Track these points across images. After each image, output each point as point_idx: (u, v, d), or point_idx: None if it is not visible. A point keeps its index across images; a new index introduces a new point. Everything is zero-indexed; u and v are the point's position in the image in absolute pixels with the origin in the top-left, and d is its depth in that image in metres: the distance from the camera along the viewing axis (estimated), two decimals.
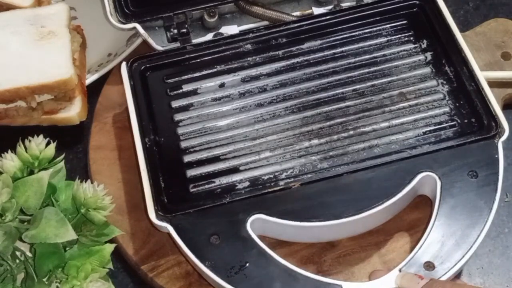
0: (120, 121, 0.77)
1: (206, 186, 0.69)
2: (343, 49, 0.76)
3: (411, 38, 0.76)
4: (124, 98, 0.73)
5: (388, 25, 0.77)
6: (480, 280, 0.69)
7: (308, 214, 0.65)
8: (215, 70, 0.76)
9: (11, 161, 0.65)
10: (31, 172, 0.65)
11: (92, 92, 0.80)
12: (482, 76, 0.71)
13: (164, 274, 0.69)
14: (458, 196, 0.66)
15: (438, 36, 0.75)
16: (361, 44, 0.76)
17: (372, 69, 0.75)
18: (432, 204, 0.66)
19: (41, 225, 0.61)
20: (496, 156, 0.67)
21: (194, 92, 0.75)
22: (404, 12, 0.78)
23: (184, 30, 0.77)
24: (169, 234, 0.66)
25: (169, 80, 0.75)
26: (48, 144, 0.67)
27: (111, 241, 0.65)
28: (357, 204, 0.65)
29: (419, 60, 0.75)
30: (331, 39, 0.77)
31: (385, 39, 0.77)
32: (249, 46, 0.77)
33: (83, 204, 0.64)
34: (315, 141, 0.70)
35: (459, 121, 0.70)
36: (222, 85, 0.75)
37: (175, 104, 0.74)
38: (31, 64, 0.76)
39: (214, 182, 0.69)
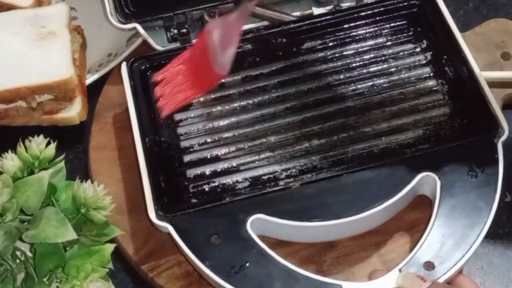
0: (120, 121, 0.77)
1: (206, 186, 0.69)
2: (343, 49, 0.76)
3: (411, 38, 0.76)
4: (124, 98, 0.73)
5: (388, 25, 0.77)
6: (480, 280, 0.69)
7: (308, 214, 0.65)
8: None
9: (11, 161, 0.65)
10: (31, 172, 0.65)
11: (92, 92, 0.80)
12: (482, 76, 0.71)
13: (164, 274, 0.69)
14: (458, 196, 0.66)
15: (438, 36, 0.75)
16: (361, 44, 0.76)
17: (372, 69, 0.75)
18: (432, 204, 0.66)
19: (41, 225, 0.61)
20: (496, 156, 0.67)
21: None
22: (404, 12, 0.78)
23: (184, 30, 0.77)
24: (169, 234, 0.66)
25: None
26: (48, 144, 0.67)
27: (111, 241, 0.65)
28: (357, 204, 0.65)
29: (419, 60, 0.75)
30: (331, 39, 0.77)
31: (385, 39, 0.77)
32: (249, 46, 0.77)
33: (83, 204, 0.64)
34: (315, 141, 0.70)
35: (459, 121, 0.70)
36: (222, 85, 0.75)
37: None
38: (31, 64, 0.76)
39: (214, 182, 0.69)
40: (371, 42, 0.76)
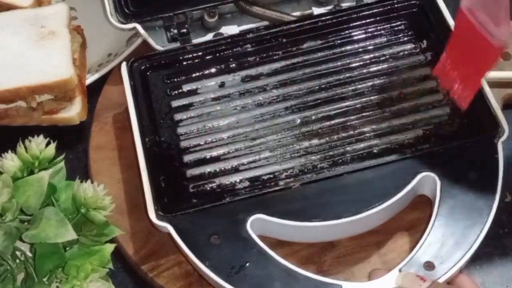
0: (120, 121, 0.77)
1: (206, 186, 0.69)
2: (343, 49, 0.76)
3: (411, 38, 0.76)
4: (124, 98, 0.73)
5: (388, 25, 0.77)
6: (480, 280, 0.69)
7: (308, 214, 0.65)
8: (215, 70, 0.76)
9: (11, 161, 0.65)
10: (31, 172, 0.65)
11: (92, 92, 0.80)
12: None
13: (164, 274, 0.69)
14: (458, 196, 0.66)
15: (438, 36, 0.75)
16: (361, 44, 0.76)
17: (372, 69, 0.75)
18: (432, 204, 0.66)
19: (41, 225, 0.61)
20: (496, 156, 0.67)
21: (194, 92, 0.75)
22: (404, 12, 0.78)
23: (184, 30, 0.77)
24: (169, 234, 0.66)
25: (169, 80, 0.76)
26: (48, 144, 0.67)
27: (111, 241, 0.65)
28: (357, 204, 0.65)
29: (419, 60, 0.75)
30: (331, 39, 0.77)
31: (385, 39, 0.77)
32: (249, 46, 0.77)
33: (83, 204, 0.64)
34: (315, 141, 0.70)
35: (459, 121, 0.70)
36: (222, 85, 0.75)
37: (175, 103, 0.74)
38: (31, 64, 0.76)
39: (214, 182, 0.69)
40: (371, 42, 0.76)
